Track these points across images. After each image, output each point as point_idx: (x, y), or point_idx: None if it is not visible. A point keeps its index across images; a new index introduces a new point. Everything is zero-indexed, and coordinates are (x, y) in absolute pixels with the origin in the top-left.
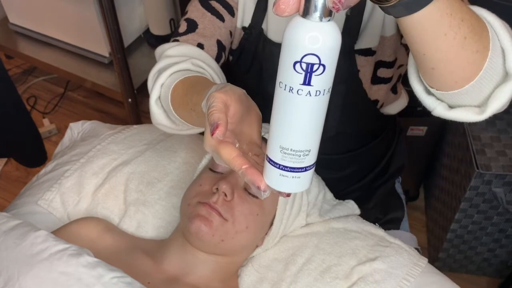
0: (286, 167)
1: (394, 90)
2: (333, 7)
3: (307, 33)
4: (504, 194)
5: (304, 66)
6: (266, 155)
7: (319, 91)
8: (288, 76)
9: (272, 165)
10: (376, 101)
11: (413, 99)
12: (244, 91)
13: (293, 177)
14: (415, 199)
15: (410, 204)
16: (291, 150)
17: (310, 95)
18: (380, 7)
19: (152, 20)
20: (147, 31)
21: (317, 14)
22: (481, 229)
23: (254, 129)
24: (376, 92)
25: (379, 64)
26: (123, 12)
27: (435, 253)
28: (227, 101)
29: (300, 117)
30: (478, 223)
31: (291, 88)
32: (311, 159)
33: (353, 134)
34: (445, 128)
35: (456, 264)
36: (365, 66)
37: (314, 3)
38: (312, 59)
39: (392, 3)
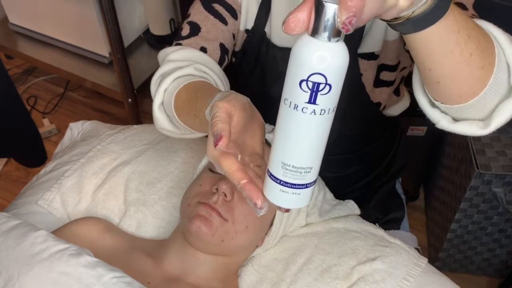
0: (287, 183)
1: (396, 92)
2: (343, 28)
3: (315, 52)
4: (504, 194)
5: (310, 85)
6: (268, 169)
7: (324, 110)
8: (293, 93)
9: (273, 180)
10: (379, 104)
11: (414, 99)
12: (248, 99)
13: (293, 193)
14: (415, 199)
15: (410, 204)
16: (292, 166)
17: (315, 114)
18: (388, 24)
19: (152, 20)
20: (147, 31)
21: (326, 34)
22: (481, 229)
23: (257, 139)
24: (378, 95)
25: (381, 68)
26: (123, 12)
27: (435, 253)
28: (231, 111)
29: (303, 135)
30: (478, 223)
31: (296, 106)
32: (313, 176)
33: (355, 136)
34: None
35: (456, 264)
36: (368, 70)
37: (324, 23)
38: (318, 79)
39: (400, 21)
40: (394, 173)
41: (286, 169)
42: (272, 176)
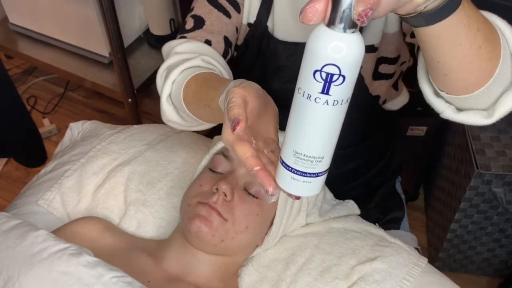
0: (298, 171)
1: (395, 86)
2: (358, 19)
3: (329, 43)
4: (504, 194)
5: (324, 75)
6: (280, 157)
7: (337, 101)
8: (307, 83)
9: (285, 167)
10: (378, 97)
11: (413, 99)
12: (260, 87)
13: (304, 181)
14: (415, 199)
15: (410, 204)
16: (304, 155)
17: (328, 104)
18: (400, 16)
19: (152, 20)
20: (147, 31)
21: (341, 25)
22: (481, 229)
23: (271, 125)
24: (377, 87)
25: (381, 60)
26: (123, 12)
27: (435, 253)
28: (246, 97)
29: (315, 124)
30: (478, 223)
31: (309, 96)
32: (324, 165)
33: (354, 129)
34: (445, 128)
35: (456, 264)
36: (367, 63)
37: (340, 14)
38: (332, 69)
39: (413, 15)
40: (393, 171)
41: (298, 157)
42: (284, 164)
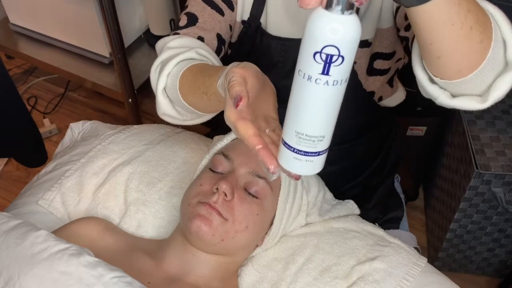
0: (300, 151)
1: (390, 83)
2: (356, 0)
3: (328, 25)
4: (503, 194)
5: (323, 56)
6: (282, 138)
7: (337, 81)
8: (307, 65)
9: (287, 148)
10: (372, 93)
11: (413, 99)
12: (257, 67)
13: (306, 160)
14: (415, 198)
15: (409, 204)
16: (306, 135)
17: (328, 85)
18: None
19: (152, 20)
20: (147, 31)
21: (339, 7)
22: (481, 228)
23: (270, 103)
24: (372, 83)
25: (375, 56)
26: (123, 12)
27: (435, 253)
28: (245, 76)
29: (316, 104)
30: (478, 222)
31: (310, 77)
32: (325, 144)
33: (347, 125)
34: (444, 128)
35: (456, 263)
36: (361, 58)
37: None
38: (332, 50)
39: None
40: (389, 169)
41: (300, 137)
42: (286, 144)
